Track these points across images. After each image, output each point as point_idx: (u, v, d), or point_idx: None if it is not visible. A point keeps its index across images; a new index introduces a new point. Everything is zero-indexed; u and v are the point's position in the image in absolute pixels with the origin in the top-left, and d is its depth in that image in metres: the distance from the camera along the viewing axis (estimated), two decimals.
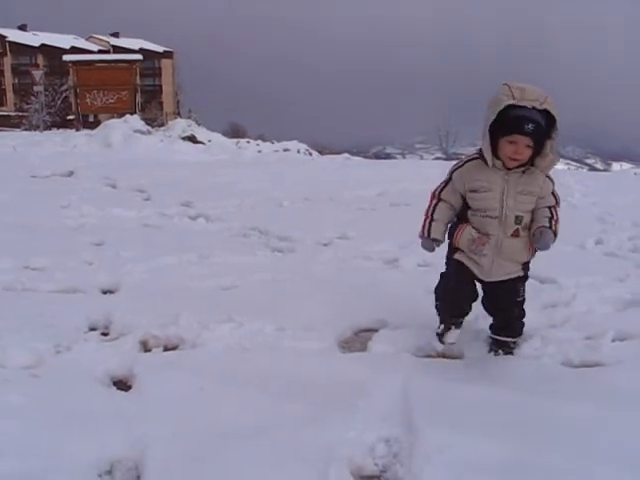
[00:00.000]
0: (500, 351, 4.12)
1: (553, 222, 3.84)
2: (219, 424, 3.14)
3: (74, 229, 7.89)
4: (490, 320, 4.22)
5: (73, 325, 4.44)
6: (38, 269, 5.88)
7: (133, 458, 2.91)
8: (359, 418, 3.19)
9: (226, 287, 5.42)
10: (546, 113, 3.61)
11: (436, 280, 5.44)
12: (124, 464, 2.89)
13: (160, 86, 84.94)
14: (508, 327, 4.14)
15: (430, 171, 13.21)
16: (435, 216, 3.94)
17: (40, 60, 78.74)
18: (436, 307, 4.16)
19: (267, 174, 13.69)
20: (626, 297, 5.09)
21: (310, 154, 30.26)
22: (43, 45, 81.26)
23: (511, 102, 3.56)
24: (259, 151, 27.34)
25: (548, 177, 3.87)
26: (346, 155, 25.61)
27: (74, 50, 68.57)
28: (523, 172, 3.77)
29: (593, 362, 3.95)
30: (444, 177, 4.01)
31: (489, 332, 4.22)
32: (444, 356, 4.03)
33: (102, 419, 3.19)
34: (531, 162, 3.75)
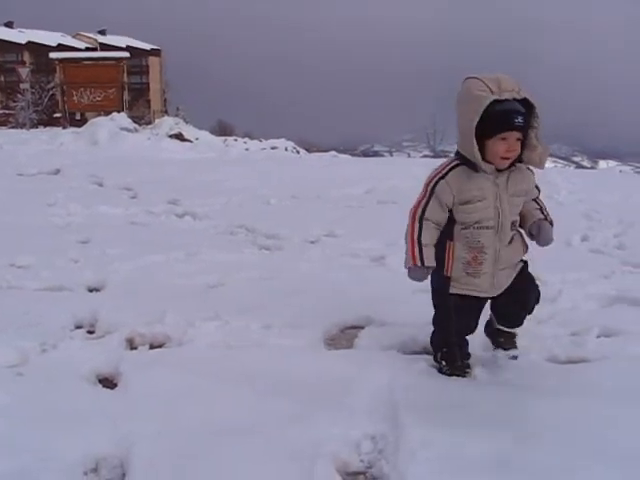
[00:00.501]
0: (508, 347, 3.95)
1: (545, 212, 3.67)
2: (205, 422, 3.13)
3: (60, 227, 7.88)
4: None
5: (59, 323, 4.42)
6: (24, 267, 5.88)
7: (119, 456, 2.90)
8: (345, 415, 3.19)
9: (213, 285, 5.43)
10: (523, 101, 3.33)
11: None
12: (109, 462, 2.88)
13: (147, 84, 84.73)
14: (518, 317, 3.90)
15: (418, 169, 13.24)
16: (423, 240, 3.45)
17: (26, 57, 78.38)
18: (442, 357, 3.76)
19: (254, 172, 13.69)
20: (611, 293, 5.12)
21: (298, 152, 30.36)
22: (30, 42, 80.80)
23: (495, 97, 3.23)
24: (246, 149, 27.43)
25: (529, 169, 3.58)
26: (333, 153, 25.65)
27: (61, 47, 68.36)
28: (510, 171, 3.46)
29: (578, 358, 3.95)
30: (423, 190, 3.55)
31: (494, 324, 3.99)
32: (429, 352, 4.02)
33: (88, 417, 3.18)
34: (518, 158, 3.44)
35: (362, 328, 4.46)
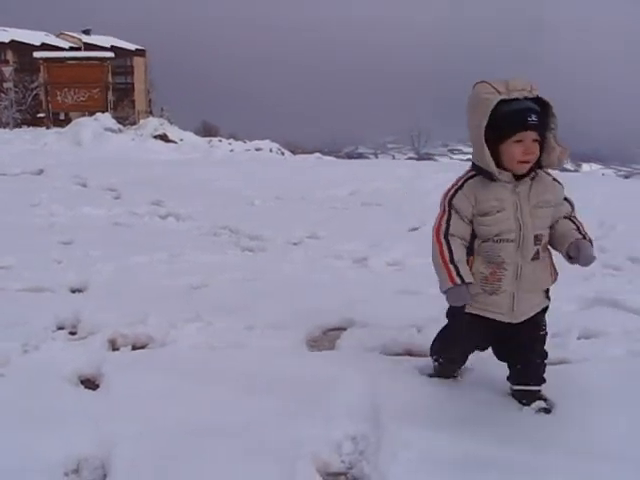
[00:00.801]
0: (534, 405, 3.34)
1: (583, 231, 3.27)
2: (187, 422, 3.14)
3: (44, 228, 7.84)
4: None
5: (41, 324, 4.41)
6: (6, 267, 5.86)
7: (100, 457, 2.91)
8: (326, 415, 3.20)
9: (196, 286, 5.44)
10: (537, 101, 3.08)
11: (405, 279, 5.50)
12: (91, 462, 2.88)
13: (132, 84, 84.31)
14: (530, 372, 3.43)
15: (402, 170, 13.30)
16: (456, 257, 3.15)
17: (10, 56, 77.80)
18: (437, 362, 3.61)
19: (239, 173, 13.67)
20: (590, 295, 5.15)
21: (282, 153, 30.36)
22: (13, 41, 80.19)
23: (502, 97, 3.00)
24: (231, 150, 27.39)
25: (556, 180, 3.28)
26: (318, 155, 25.66)
27: (45, 47, 67.88)
28: (532, 179, 3.18)
29: (558, 360, 3.97)
30: (441, 207, 3.27)
31: (509, 385, 3.49)
32: (410, 354, 4.05)
33: (69, 418, 3.18)
34: (537, 164, 3.16)
35: (344, 329, 4.48)
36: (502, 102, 3.00)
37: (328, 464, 2.90)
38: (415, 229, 7.92)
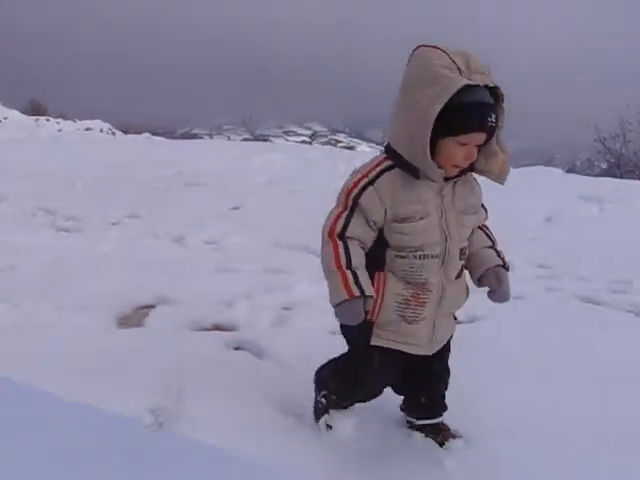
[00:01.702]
0: (439, 438, 2.90)
1: (501, 252, 2.72)
2: None
3: None
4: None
5: None
6: None
7: None
8: (128, 390, 3.20)
9: (2, 268, 5.28)
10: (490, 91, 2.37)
11: (220, 257, 5.55)
12: None
13: None
14: (437, 404, 2.93)
15: (235, 151, 13.34)
16: (354, 262, 2.42)
17: None
18: (328, 397, 2.91)
19: (63, 153, 13.32)
20: None
21: (113, 133, 29.82)
22: None
23: (466, 82, 2.24)
24: (59, 130, 26.65)
25: (475, 180, 2.65)
26: (147, 135, 25.29)
27: None
28: (454, 180, 2.53)
29: None
30: (340, 204, 2.52)
31: (408, 419, 3.01)
32: (219, 329, 4.12)
33: None
34: (469, 166, 2.48)
35: (154, 307, 4.50)
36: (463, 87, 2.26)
37: None
38: (236, 208, 7.99)
